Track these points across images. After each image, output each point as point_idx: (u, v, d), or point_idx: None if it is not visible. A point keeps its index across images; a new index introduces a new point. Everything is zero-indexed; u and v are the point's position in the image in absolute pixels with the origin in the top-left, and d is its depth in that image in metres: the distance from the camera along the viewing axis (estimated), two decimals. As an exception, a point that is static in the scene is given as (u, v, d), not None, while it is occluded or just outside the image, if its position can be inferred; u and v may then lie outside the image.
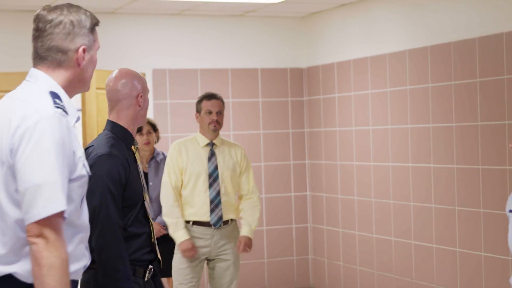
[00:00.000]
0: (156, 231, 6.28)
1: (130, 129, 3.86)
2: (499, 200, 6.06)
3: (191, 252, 5.80)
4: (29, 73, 2.80)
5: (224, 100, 6.16)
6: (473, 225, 6.35)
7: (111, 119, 3.88)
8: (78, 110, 7.30)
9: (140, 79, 3.94)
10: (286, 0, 7.51)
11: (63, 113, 2.61)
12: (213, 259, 5.94)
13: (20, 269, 2.59)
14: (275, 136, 8.50)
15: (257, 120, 8.44)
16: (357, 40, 7.76)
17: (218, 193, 5.87)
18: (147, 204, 3.82)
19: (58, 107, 2.61)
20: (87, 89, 2.88)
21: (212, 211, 5.84)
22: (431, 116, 6.78)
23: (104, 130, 3.88)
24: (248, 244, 5.93)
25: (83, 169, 2.68)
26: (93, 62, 2.82)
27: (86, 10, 2.80)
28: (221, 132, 6.13)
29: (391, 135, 7.28)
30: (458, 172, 6.50)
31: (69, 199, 2.61)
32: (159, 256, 3.89)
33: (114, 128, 3.83)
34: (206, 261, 5.98)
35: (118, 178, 3.65)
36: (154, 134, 6.50)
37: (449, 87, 6.57)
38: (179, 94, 8.13)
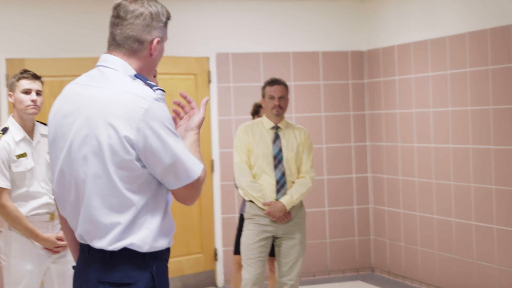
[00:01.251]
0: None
1: None
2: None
3: (282, 213, 6.06)
4: (102, 59, 2.91)
5: (286, 83, 6.32)
6: (533, 206, 6.40)
7: None
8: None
9: None
10: (347, -16, 7.60)
11: (162, 92, 2.83)
12: (280, 237, 6.15)
13: (136, 239, 2.81)
14: (336, 118, 8.61)
15: (318, 103, 8.56)
16: (417, 22, 7.82)
17: (283, 174, 6.11)
18: None
19: (157, 89, 2.82)
20: (150, 78, 3.02)
21: (278, 191, 6.09)
22: (491, 98, 6.82)
23: None
24: (276, 210, 6.06)
25: None
26: (161, 53, 2.96)
27: (161, 5, 2.93)
28: (284, 114, 6.31)
29: (451, 117, 7.34)
30: (518, 153, 6.55)
31: None
32: None
33: None
34: (273, 239, 6.18)
35: None
36: None
37: (509, 69, 6.60)
38: (242, 77, 8.30)
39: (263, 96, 6.21)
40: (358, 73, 8.70)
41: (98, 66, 2.92)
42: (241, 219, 6.50)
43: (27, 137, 4.98)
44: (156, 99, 2.78)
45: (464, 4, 7.16)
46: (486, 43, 6.87)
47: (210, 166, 8.17)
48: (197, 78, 8.21)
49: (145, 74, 2.93)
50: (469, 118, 7.10)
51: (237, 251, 6.68)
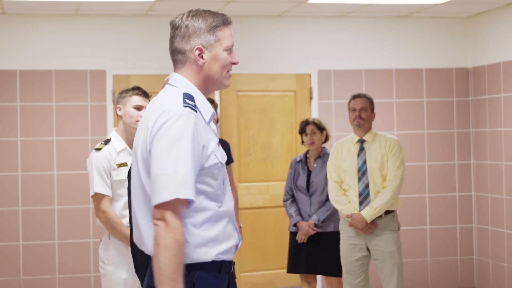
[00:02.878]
0: (305, 231, 6.57)
1: None
2: None
3: (363, 224, 6.16)
4: (170, 77, 3.08)
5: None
6: None
7: None
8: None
9: None
10: (450, 0, 7.53)
11: (191, 111, 2.85)
12: (372, 250, 6.22)
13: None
14: (440, 136, 8.51)
15: (422, 120, 8.48)
16: (523, 39, 7.67)
17: (367, 186, 6.20)
18: None
19: (186, 106, 2.86)
20: (225, 86, 3.07)
21: (361, 203, 6.17)
22: None
23: None
24: (357, 222, 6.16)
25: (215, 159, 2.92)
26: (218, 60, 3.00)
27: (209, 14, 3.00)
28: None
29: (558, 134, 7.15)
30: None
31: (205, 187, 2.90)
32: None
33: None
34: (368, 251, 6.27)
35: None
36: (319, 134, 6.73)
37: None
38: (343, 94, 8.30)
39: (348, 111, 6.42)
40: (463, 90, 8.58)
41: (167, 84, 3.08)
42: (290, 237, 6.80)
43: (128, 148, 5.16)
44: (179, 114, 2.84)
45: None
46: None
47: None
48: (297, 95, 8.28)
49: (209, 83, 3.03)
50: None
51: (290, 269, 6.79)
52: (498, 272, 8.13)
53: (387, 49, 8.45)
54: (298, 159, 6.81)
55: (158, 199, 2.78)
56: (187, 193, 2.79)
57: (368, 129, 6.34)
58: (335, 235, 6.57)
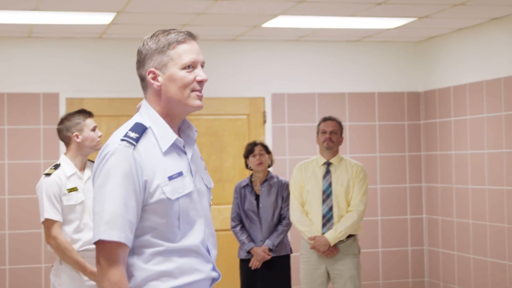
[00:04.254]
0: (260, 257, 6.51)
1: None
2: None
3: (326, 247, 6.19)
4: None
5: (340, 121, 6.49)
6: None
7: None
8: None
9: None
10: (401, 25, 7.65)
11: (128, 144, 2.69)
12: (332, 274, 6.25)
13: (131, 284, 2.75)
14: (392, 159, 8.61)
15: (374, 143, 8.58)
16: (472, 64, 7.81)
17: (331, 209, 6.21)
18: None
19: (123, 140, 2.70)
20: (193, 106, 2.82)
21: (324, 225, 6.18)
22: (546, 139, 6.76)
23: None
24: (320, 245, 6.20)
25: (161, 194, 2.72)
26: (175, 80, 2.79)
27: (163, 33, 2.82)
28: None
29: (506, 159, 7.28)
30: None
31: (153, 222, 2.72)
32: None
33: None
34: (327, 274, 6.30)
35: None
36: (266, 156, 6.70)
37: None
38: (297, 118, 8.37)
39: (317, 133, 6.45)
40: (415, 114, 8.70)
41: None
42: (242, 264, 6.71)
43: (78, 173, 5.16)
44: (114, 149, 2.69)
45: (519, 46, 7.14)
46: (540, 84, 6.83)
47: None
48: (250, 118, 8.32)
49: (172, 106, 2.82)
50: (524, 159, 7.04)
51: None
52: (449, 294, 8.23)
53: (340, 73, 8.54)
54: (244, 183, 6.70)
55: (92, 240, 2.70)
56: (111, 235, 2.64)
57: (335, 152, 6.41)
58: (288, 259, 6.59)
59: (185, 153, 2.86)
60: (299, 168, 6.47)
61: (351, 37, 8.34)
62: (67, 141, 5.23)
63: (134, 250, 2.73)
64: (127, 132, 2.74)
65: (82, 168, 5.22)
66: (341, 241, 6.24)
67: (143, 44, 2.83)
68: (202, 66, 2.85)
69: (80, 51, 7.95)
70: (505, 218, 7.29)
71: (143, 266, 2.73)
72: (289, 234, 6.77)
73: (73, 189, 5.10)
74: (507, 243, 7.26)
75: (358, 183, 6.31)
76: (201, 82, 2.82)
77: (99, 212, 2.66)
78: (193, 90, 2.81)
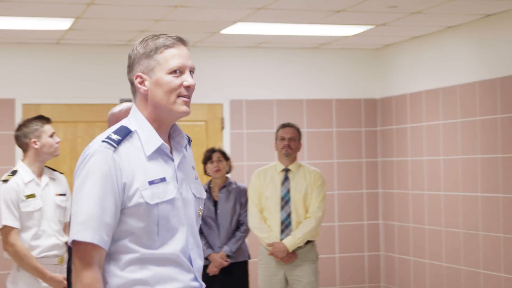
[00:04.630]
0: (218, 263, 6.50)
1: None
2: None
3: (284, 253, 6.21)
4: None
5: (299, 128, 6.52)
6: (541, 255, 6.41)
7: None
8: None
9: None
10: (359, 33, 7.72)
11: (108, 146, 2.66)
12: (290, 280, 6.27)
13: None
14: (349, 165, 8.68)
15: (331, 150, 8.64)
16: (429, 71, 7.91)
17: (289, 215, 6.24)
18: None
19: (104, 141, 2.68)
20: (178, 112, 2.77)
21: (282, 231, 6.20)
22: (501, 146, 6.87)
23: None
24: (278, 251, 6.22)
25: (139, 198, 2.68)
26: (161, 84, 2.75)
27: (152, 38, 2.80)
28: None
29: (461, 165, 7.38)
30: (526, 202, 6.58)
31: (129, 226, 2.69)
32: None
33: None
34: (286, 280, 6.32)
35: None
36: (225, 162, 6.71)
37: (517, 118, 6.66)
38: (255, 124, 8.40)
39: (276, 139, 6.47)
40: (371, 120, 8.78)
41: None
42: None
43: (36, 179, 5.12)
44: (94, 150, 2.68)
45: (474, 54, 7.25)
46: (495, 92, 6.94)
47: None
48: (208, 124, 8.33)
49: (159, 111, 2.78)
50: (479, 166, 7.14)
51: None
52: (405, 299, 8.31)
53: (298, 79, 8.59)
54: None
55: (71, 237, 2.66)
56: (85, 235, 2.61)
57: (294, 159, 6.45)
58: (246, 265, 6.61)
59: (172, 159, 2.81)
60: (257, 175, 6.49)
61: (309, 44, 8.39)
62: (24, 148, 5.19)
63: (111, 256, 2.69)
64: (109, 134, 2.72)
65: (40, 175, 5.18)
66: (299, 247, 6.28)
67: (133, 49, 2.81)
68: (191, 72, 2.80)
69: (37, 57, 7.89)
70: (460, 223, 7.39)
71: (118, 273, 2.68)
72: (247, 240, 6.79)
73: (31, 196, 5.06)
74: (462, 249, 7.35)
75: (316, 190, 6.35)
76: (188, 88, 2.76)
77: (75, 213, 2.64)
78: (179, 96, 2.75)
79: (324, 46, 8.50)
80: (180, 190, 2.78)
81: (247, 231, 6.57)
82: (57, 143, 5.20)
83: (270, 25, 7.26)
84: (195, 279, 2.80)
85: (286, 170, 6.41)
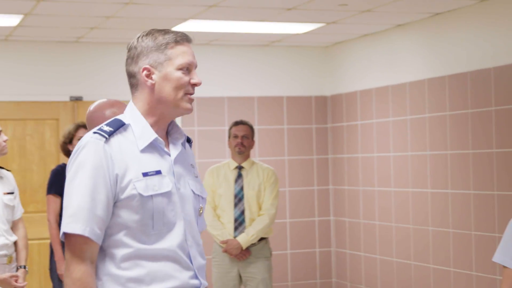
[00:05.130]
0: None
1: None
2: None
3: (238, 250, 6.24)
4: None
5: (252, 125, 6.55)
6: (488, 249, 6.51)
7: None
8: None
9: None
10: (309, 31, 7.76)
11: (99, 137, 2.62)
12: (244, 277, 6.29)
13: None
14: (300, 162, 8.72)
15: (282, 147, 8.67)
16: (379, 69, 7.99)
17: (243, 212, 6.26)
18: None
19: (95, 132, 2.64)
20: (184, 109, 2.75)
21: (236, 229, 6.24)
22: (449, 143, 6.97)
23: None
24: (232, 248, 6.26)
25: (133, 190, 2.63)
26: (170, 79, 2.71)
27: (160, 32, 2.76)
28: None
29: (411, 161, 7.47)
30: (474, 197, 6.68)
31: (123, 219, 2.63)
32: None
33: None
34: (239, 277, 6.35)
35: None
36: None
37: (466, 115, 6.76)
38: (206, 121, 8.40)
39: (229, 136, 6.47)
40: (322, 117, 8.83)
41: None
42: None
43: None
44: (85, 142, 2.64)
45: (423, 52, 7.34)
46: (444, 89, 7.03)
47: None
48: (161, 121, 8.29)
49: (160, 107, 2.73)
50: (428, 162, 7.24)
51: None
52: (356, 294, 8.38)
53: (249, 77, 8.61)
54: None
55: (63, 228, 2.61)
56: (74, 228, 2.56)
57: (247, 156, 6.47)
58: None
59: (169, 154, 2.75)
60: (210, 172, 6.50)
61: (261, 41, 8.42)
62: None
63: (105, 252, 2.63)
64: (101, 126, 2.68)
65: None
66: (253, 244, 6.31)
67: (137, 41, 2.75)
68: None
69: (-14, 53, 7.79)
70: (410, 219, 7.48)
71: (112, 271, 2.62)
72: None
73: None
74: (412, 243, 7.45)
75: (269, 187, 6.38)
76: (194, 86, 2.74)
77: (66, 206, 2.59)
78: (186, 93, 2.72)
79: (275, 43, 8.53)
80: (177, 185, 2.73)
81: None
82: (4, 141, 5.13)
83: (222, 22, 7.27)
84: (195, 276, 2.73)
85: (240, 168, 6.43)
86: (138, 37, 2.76)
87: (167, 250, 2.65)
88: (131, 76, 2.77)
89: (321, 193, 8.78)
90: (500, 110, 6.40)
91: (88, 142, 2.62)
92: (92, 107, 3.44)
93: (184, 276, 2.69)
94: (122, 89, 8.05)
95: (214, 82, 8.49)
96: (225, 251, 6.26)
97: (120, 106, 3.33)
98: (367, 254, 8.18)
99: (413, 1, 6.53)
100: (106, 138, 2.63)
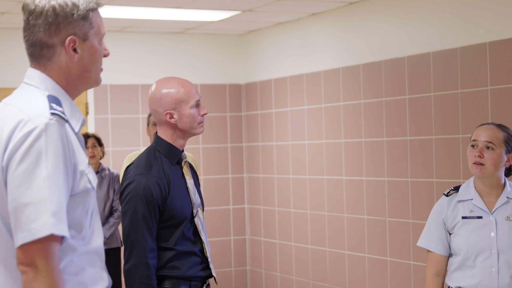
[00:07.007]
0: None
1: (175, 144, 3.72)
2: (426, 210, 6.33)
3: None
4: (26, 73, 2.40)
5: None
6: (402, 235, 6.64)
7: (157, 133, 3.75)
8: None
9: (169, 95, 3.69)
10: (225, 18, 7.74)
11: (60, 119, 2.24)
12: None
13: None
14: (214, 150, 8.71)
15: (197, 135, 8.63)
16: (293, 57, 8.03)
17: None
18: (198, 220, 3.70)
19: (53, 113, 2.23)
20: (95, 84, 2.44)
21: None
22: (363, 131, 7.06)
23: (151, 144, 3.79)
24: None
25: (87, 182, 2.31)
26: (94, 52, 2.40)
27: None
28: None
29: (326, 149, 7.54)
30: (388, 184, 6.79)
31: (73, 217, 2.28)
32: (213, 273, 3.74)
33: (158, 143, 3.75)
34: None
35: (151, 199, 3.53)
36: (99, 148, 6.65)
37: (380, 103, 6.86)
38: (120, 109, 8.30)
39: (148, 124, 6.41)
40: (236, 106, 8.84)
41: (22, 82, 2.41)
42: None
43: None
44: (44, 124, 2.20)
45: (338, 40, 7.41)
46: (359, 78, 7.12)
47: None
48: (74, 109, 8.15)
49: (79, 83, 2.40)
50: (343, 149, 7.32)
51: None
52: (270, 281, 8.43)
53: (164, 64, 8.54)
54: None
55: (25, 237, 2.14)
56: (61, 228, 2.17)
57: None
58: (119, 251, 6.55)
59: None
60: (129, 160, 6.41)
61: (175, 29, 8.35)
62: None
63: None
64: (51, 105, 2.26)
65: None
66: None
67: (50, 3, 2.34)
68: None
69: None
70: (325, 206, 7.56)
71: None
72: (120, 226, 6.71)
73: None
74: (327, 230, 7.53)
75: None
76: (105, 56, 2.47)
77: (40, 201, 2.14)
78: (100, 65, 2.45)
79: (189, 31, 8.48)
80: None
81: (120, 217, 6.51)
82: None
83: (136, 8, 7.18)
84: (108, 278, 2.48)
85: None
86: None
87: (99, 248, 2.42)
88: (44, 46, 2.35)
89: (235, 181, 8.79)
90: (413, 99, 6.52)
91: (49, 125, 2.21)
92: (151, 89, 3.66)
93: (106, 276, 2.47)
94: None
95: (127, 70, 8.39)
96: None
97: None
98: (282, 242, 8.23)
99: (329, -10, 6.58)
100: (67, 121, 2.30)
